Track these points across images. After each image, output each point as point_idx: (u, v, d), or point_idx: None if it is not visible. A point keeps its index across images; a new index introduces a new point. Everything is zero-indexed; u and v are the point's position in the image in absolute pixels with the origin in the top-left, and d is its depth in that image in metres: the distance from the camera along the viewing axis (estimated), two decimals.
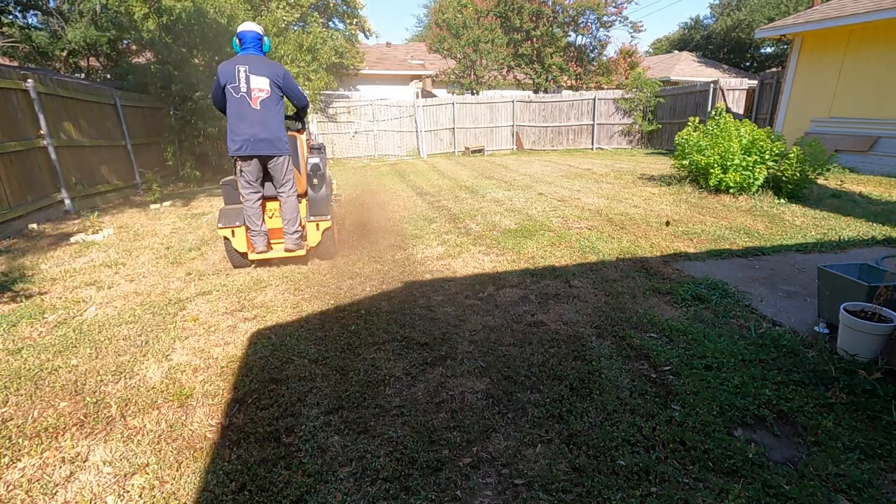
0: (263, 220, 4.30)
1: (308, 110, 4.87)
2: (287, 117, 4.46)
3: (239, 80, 3.91)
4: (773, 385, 2.39)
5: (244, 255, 4.39)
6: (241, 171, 4.06)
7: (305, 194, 4.49)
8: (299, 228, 4.31)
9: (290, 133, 4.45)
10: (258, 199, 4.21)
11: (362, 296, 3.74)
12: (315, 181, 4.47)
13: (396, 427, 2.18)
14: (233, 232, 4.24)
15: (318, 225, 4.40)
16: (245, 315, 3.47)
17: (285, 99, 4.20)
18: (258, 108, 3.97)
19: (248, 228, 4.23)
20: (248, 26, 4.09)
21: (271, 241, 4.44)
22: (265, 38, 4.18)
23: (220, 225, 4.23)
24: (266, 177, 4.23)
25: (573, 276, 4.02)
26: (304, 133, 4.82)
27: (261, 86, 3.96)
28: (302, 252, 4.38)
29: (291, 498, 1.79)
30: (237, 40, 4.08)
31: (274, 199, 4.38)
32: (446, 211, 6.81)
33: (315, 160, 4.45)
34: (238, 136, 3.94)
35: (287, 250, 4.31)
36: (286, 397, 2.42)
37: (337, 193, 5.66)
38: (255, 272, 4.38)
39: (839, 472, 1.83)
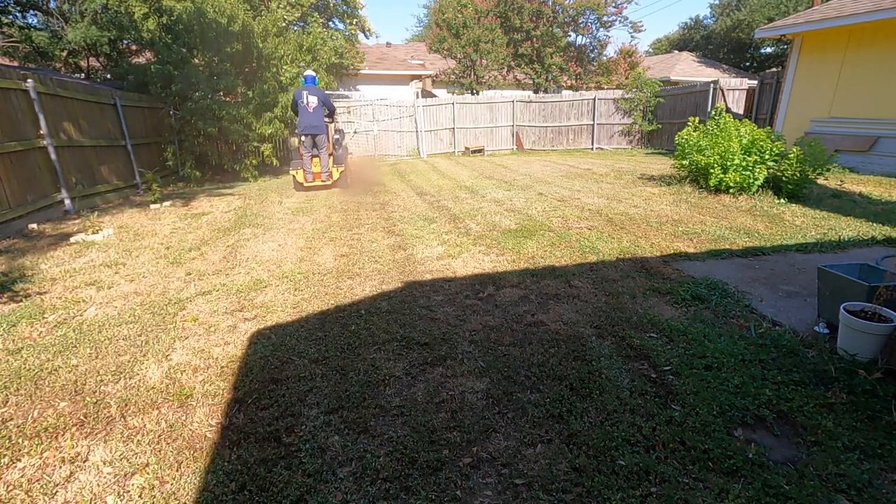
0: (311, 166, 8.72)
1: (335, 113, 9.46)
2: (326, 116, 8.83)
3: (304, 98, 8.39)
4: (773, 385, 2.39)
5: (300, 184, 8.83)
6: (303, 141, 8.53)
7: (332, 154, 8.99)
8: (328, 170, 8.81)
9: (327, 123, 8.83)
10: (310, 156, 8.66)
11: (362, 296, 3.74)
12: (337, 147, 9.10)
13: (396, 427, 2.18)
14: (297, 172, 8.78)
15: (338, 169, 8.99)
16: (245, 315, 3.47)
17: (325, 107, 8.61)
18: (312, 111, 8.42)
19: (304, 171, 8.69)
20: (309, 72, 8.80)
21: (314, 180, 8.84)
22: (317, 78, 9.03)
23: (290, 169, 8.89)
24: (313, 144, 8.60)
25: (573, 276, 4.02)
26: (333, 124, 9.32)
27: (313, 101, 8.42)
28: (329, 182, 8.86)
29: (291, 498, 1.79)
30: (303, 79, 8.99)
31: (316, 156, 8.76)
32: (446, 211, 6.81)
33: (337, 136, 9.24)
34: (302, 125, 8.41)
35: (322, 181, 8.81)
36: (286, 397, 2.42)
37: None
38: (254, 272, 4.39)
39: (839, 472, 1.83)
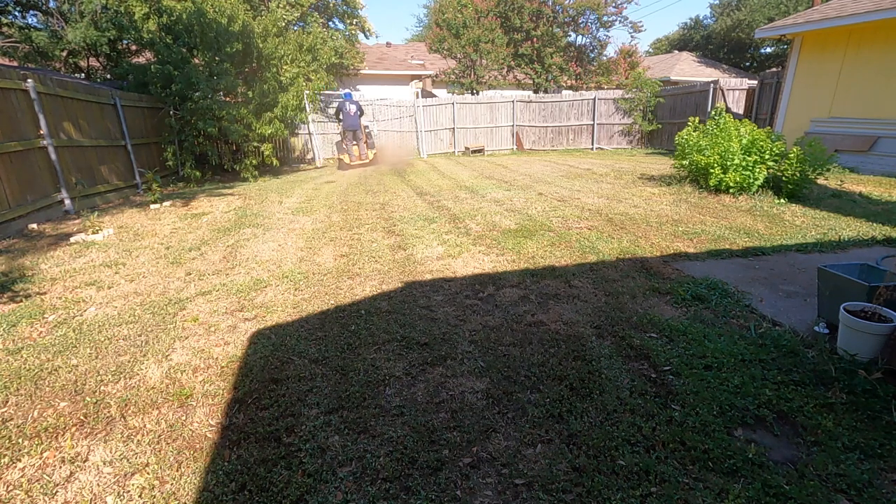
0: (353, 151, 13.04)
1: (364, 115, 13.51)
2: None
3: (346, 106, 12.73)
4: (773, 385, 2.39)
5: (347, 165, 12.87)
6: (347, 136, 12.94)
7: (366, 142, 13.57)
8: (365, 153, 13.33)
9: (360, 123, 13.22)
10: (352, 144, 13.02)
11: (362, 296, 3.74)
12: (368, 137, 13.71)
13: (396, 427, 2.18)
14: (344, 156, 13.04)
15: (371, 151, 13.56)
16: (245, 315, 3.47)
17: (360, 111, 12.99)
18: (352, 115, 12.76)
19: (349, 155, 12.95)
20: (347, 91, 14.68)
21: (356, 161, 13.08)
22: (352, 93, 14.28)
23: (338, 153, 13.75)
24: (353, 137, 13.02)
25: (573, 276, 4.02)
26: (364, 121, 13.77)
27: (353, 108, 12.77)
28: (367, 161, 13.24)
29: (291, 498, 1.79)
30: (343, 94, 13.73)
31: (356, 144, 13.16)
32: (446, 211, 6.81)
33: (368, 130, 13.93)
34: (346, 124, 12.78)
35: (361, 161, 13.15)
36: (286, 397, 2.42)
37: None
38: (254, 272, 4.39)
39: (839, 472, 1.83)
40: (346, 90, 13.59)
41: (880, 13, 8.73)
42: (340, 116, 12.83)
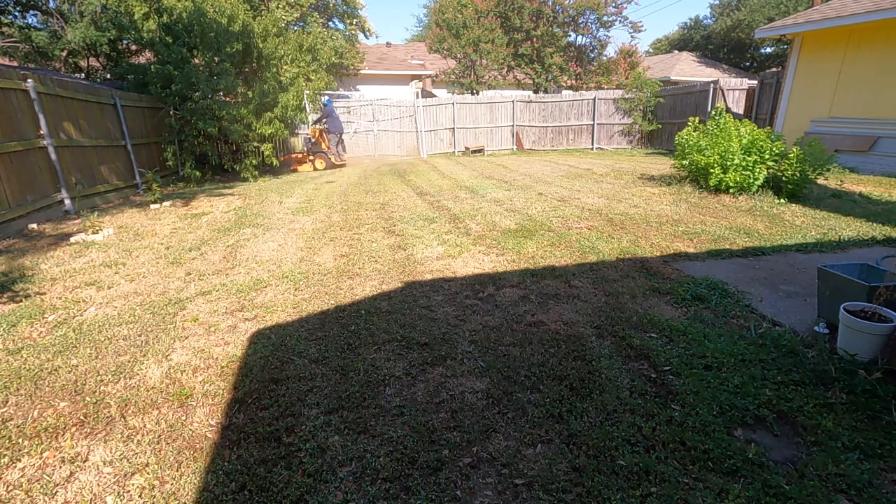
0: (336, 151, 13.56)
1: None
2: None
3: (335, 112, 13.42)
4: (773, 385, 2.39)
5: (334, 164, 13.22)
6: (334, 137, 13.42)
7: (342, 145, 14.13)
8: (343, 155, 13.99)
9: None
10: (336, 146, 13.57)
11: (362, 296, 3.74)
12: (342, 141, 14.14)
13: (396, 427, 2.18)
14: (332, 156, 13.26)
15: (345, 154, 14.30)
16: (245, 315, 3.47)
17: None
18: (340, 120, 13.69)
19: (334, 156, 13.34)
20: (330, 98, 14.25)
21: (339, 160, 13.63)
22: (331, 101, 14.16)
23: (328, 154, 13.21)
24: (339, 139, 13.66)
25: (573, 276, 4.02)
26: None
27: (338, 114, 13.89)
28: (344, 163, 13.75)
29: (291, 498, 1.79)
30: (326, 100, 13.40)
31: (339, 145, 13.84)
32: (446, 211, 6.81)
33: (345, 137, 14.88)
34: (338, 128, 13.45)
35: (342, 162, 13.60)
36: (286, 397, 2.42)
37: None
38: (254, 272, 4.39)
39: (839, 472, 1.83)
40: (328, 97, 13.83)
41: (880, 13, 8.73)
42: (325, 121, 13.04)
